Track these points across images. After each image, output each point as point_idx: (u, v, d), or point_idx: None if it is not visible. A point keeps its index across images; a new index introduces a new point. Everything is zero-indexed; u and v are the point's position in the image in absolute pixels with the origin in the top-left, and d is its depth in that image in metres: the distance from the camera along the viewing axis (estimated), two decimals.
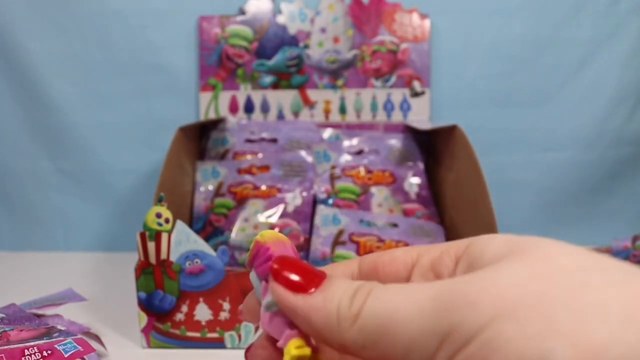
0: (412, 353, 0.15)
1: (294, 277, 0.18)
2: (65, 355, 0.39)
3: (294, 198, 0.64)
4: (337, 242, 0.58)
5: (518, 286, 0.14)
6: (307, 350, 0.18)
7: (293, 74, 0.73)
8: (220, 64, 0.73)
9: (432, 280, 0.19)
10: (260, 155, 0.69)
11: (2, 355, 0.38)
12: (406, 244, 0.58)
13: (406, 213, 0.65)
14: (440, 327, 0.15)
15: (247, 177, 0.66)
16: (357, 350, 0.17)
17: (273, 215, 0.62)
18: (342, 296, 0.17)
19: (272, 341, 0.19)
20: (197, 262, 0.46)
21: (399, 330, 0.16)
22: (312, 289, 0.17)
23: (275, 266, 0.18)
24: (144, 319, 0.47)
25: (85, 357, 0.40)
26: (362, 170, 0.67)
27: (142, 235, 0.45)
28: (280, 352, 0.19)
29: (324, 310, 0.17)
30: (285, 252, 0.20)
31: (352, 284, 0.17)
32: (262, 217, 0.62)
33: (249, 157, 0.69)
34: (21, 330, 0.42)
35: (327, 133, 0.72)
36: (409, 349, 0.15)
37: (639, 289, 0.13)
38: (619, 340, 0.12)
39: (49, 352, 0.39)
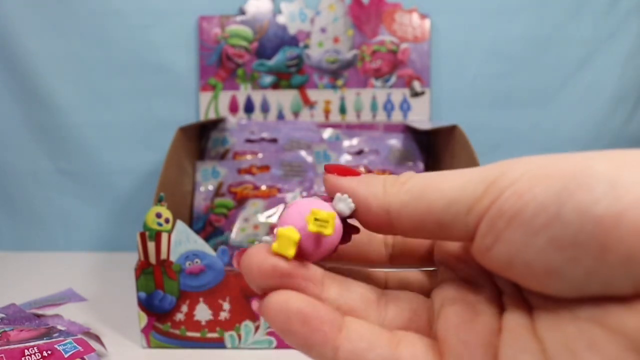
0: (455, 203, 0.16)
1: (342, 172, 0.19)
2: (65, 356, 0.39)
3: (294, 198, 0.64)
4: None
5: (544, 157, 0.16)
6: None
7: (293, 74, 0.73)
8: (220, 64, 0.73)
9: None
10: (260, 155, 0.69)
11: (2, 355, 0.38)
12: None
13: None
14: (486, 176, 0.16)
15: (247, 177, 0.66)
16: (399, 209, 0.17)
17: (273, 215, 0.62)
18: (386, 176, 0.18)
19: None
20: (197, 262, 0.46)
21: (445, 185, 0.16)
22: (360, 174, 0.19)
23: (330, 167, 0.19)
24: (144, 319, 0.47)
25: (85, 357, 0.40)
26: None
27: (142, 235, 0.45)
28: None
29: (371, 182, 0.18)
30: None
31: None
32: (262, 217, 0.62)
33: (249, 157, 0.69)
34: (21, 331, 0.42)
35: (327, 133, 0.72)
36: (453, 199, 0.16)
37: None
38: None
39: (49, 352, 0.39)
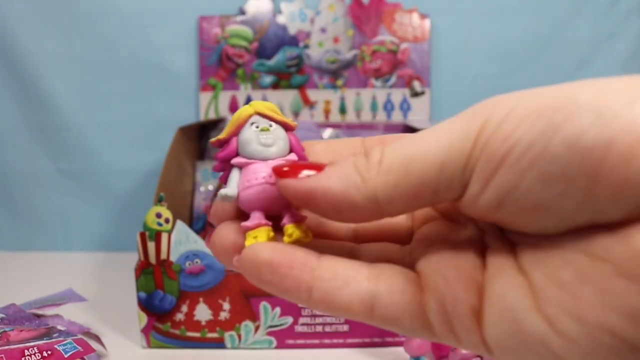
0: (447, 166, 0.15)
1: (301, 170, 0.17)
2: (65, 356, 0.39)
3: None
4: None
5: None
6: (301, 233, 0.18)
7: (293, 74, 0.73)
8: (220, 64, 0.73)
9: None
10: None
11: (2, 355, 0.38)
12: None
13: None
14: (472, 127, 0.15)
15: None
16: (389, 193, 0.16)
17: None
18: (354, 160, 0.16)
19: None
20: (197, 262, 0.46)
21: (430, 150, 0.15)
22: (321, 169, 0.17)
23: (279, 169, 0.17)
24: (144, 319, 0.47)
25: (85, 357, 0.40)
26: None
27: (142, 235, 0.45)
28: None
29: (342, 174, 0.16)
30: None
31: (358, 155, 0.17)
32: None
33: None
34: (21, 331, 0.42)
35: (327, 133, 0.72)
36: (444, 162, 0.15)
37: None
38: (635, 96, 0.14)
39: (49, 352, 0.39)
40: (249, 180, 0.18)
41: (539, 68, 0.74)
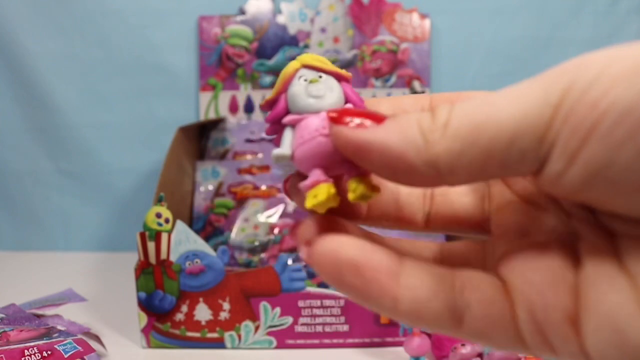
0: (520, 137, 0.13)
1: (358, 119, 0.15)
2: (65, 356, 0.39)
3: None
4: None
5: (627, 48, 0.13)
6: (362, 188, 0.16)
7: None
8: (220, 64, 0.73)
9: None
10: (260, 155, 0.69)
11: (2, 355, 0.38)
12: None
13: None
14: (552, 92, 0.13)
15: (247, 177, 0.66)
16: (452, 162, 0.14)
17: (273, 215, 0.62)
18: (419, 116, 0.14)
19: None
20: (197, 262, 0.46)
21: (503, 116, 0.13)
22: (382, 120, 0.15)
23: (333, 114, 0.15)
24: (144, 319, 0.47)
25: (85, 357, 0.40)
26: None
27: (142, 235, 0.45)
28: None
29: (403, 131, 0.14)
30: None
31: (424, 111, 0.15)
32: (262, 217, 0.62)
33: (249, 157, 0.69)
34: (21, 331, 0.42)
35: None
36: (517, 132, 0.13)
37: None
38: None
39: (49, 352, 0.39)
40: (302, 136, 0.17)
41: (539, 68, 0.73)
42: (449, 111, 0.14)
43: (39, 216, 0.76)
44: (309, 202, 0.16)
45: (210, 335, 0.47)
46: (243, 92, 0.73)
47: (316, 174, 0.16)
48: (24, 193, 0.76)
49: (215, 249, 0.46)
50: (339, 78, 0.18)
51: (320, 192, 0.16)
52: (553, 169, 0.13)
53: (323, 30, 0.72)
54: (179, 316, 0.47)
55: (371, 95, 0.73)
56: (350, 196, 0.16)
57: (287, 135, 0.17)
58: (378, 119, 0.15)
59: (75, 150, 0.74)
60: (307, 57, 0.18)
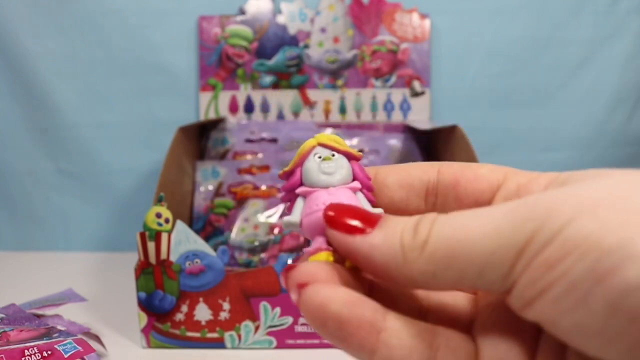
0: (487, 272, 0.14)
1: (350, 221, 0.17)
2: (65, 356, 0.39)
3: None
4: None
5: (599, 191, 0.14)
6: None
7: (293, 74, 0.73)
8: (220, 64, 0.73)
9: None
10: (260, 155, 0.69)
11: (2, 355, 0.38)
12: None
13: None
14: (518, 237, 0.14)
15: (247, 177, 0.66)
16: (427, 280, 0.15)
17: (273, 215, 0.62)
18: (403, 228, 0.16)
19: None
20: (197, 262, 0.46)
21: (473, 250, 0.14)
22: (370, 229, 0.16)
23: (330, 213, 0.17)
24: (144, 319, 0.47)
25: (85, 357, 0.40)
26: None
27: (142, 235, 0.45)
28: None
29: (386, 246, 0.16)
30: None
31: (412, 218, 0.16)
32: (262, 217, 0.62)
33: (249, 157, 0.69)
34: (21, 331, 0.42)
35: (327, 133, 0.72)
36: (484, 268, 0.14)
37: None
38: None
39: (49, 352, 0.39)
40: (310, 207, 0.19)
41: (539, 68, 0.74)
42: (429, 229, 0.15)
43: (39, 216, 0.76)
44: None
45: (210, 335, 0.47)
46: (243, 92, 0.73)
47: (318, 242, 0.18)
48: (24, 193, 0.76)
49: (215, 249, 0.46)
50: (350, 157, 0.21)
51: (319, 259, 0.18)
52: (514, 303, 0.14)
53: (323, 30, 0.72)
54: (179, 316, 0.47)
55: (371, 96, 0.73)
56: (346, 264, 0.18)
57: (299, 204, 0.20)
58: (370, 222, 0.16)
59: (75, 150, 0.74)
60: (323, 137, 0.21)
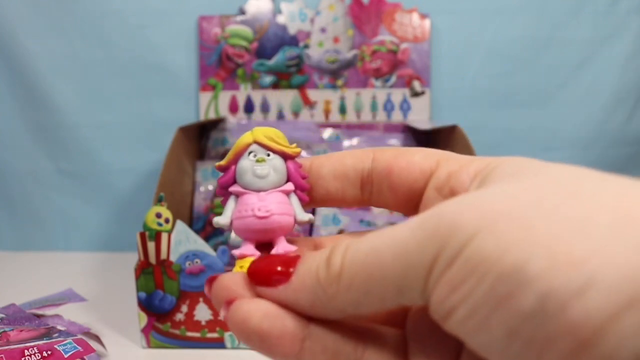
0: (405, 291, 0.14)
1: (271, 275, 0.17)
2: (65, 356, 0.39)
3: None
4: None
5: (502, 201, 0.13)
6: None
7: (293, 74, 0.73)
8: (220, 64, 0.73)
9: (446, 197, 0.18)
10: None
11: (2, 355, 0.38)
12: None
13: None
14: (425, 256, 0.14)
15: None
16: (354, 308, 0.16)
17: None
18: (317, 265, 0.16)
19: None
20: (197, 262, 0.46)
21: (387, 272, 0.14)
22: (288, 277, 0.17)
23: (251, 271, 0.17)
24: (144, 319, 0.47)
25: (85, 357, 0.40)
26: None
27: (142, 235, 0.45)
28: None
29: (306, 287, 0.16)
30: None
31: (324, 251, 0.16)
32: None
33: None
34: (21, 331, 0.42)
35: (327, 133, 0.72)
36: (401, 288, 0.14)
37: (633, 202, 0.12)
38: (599, 253, 0.11)
39: (49, 352, 0.39)
40: (239, 211, 0.19)
41: (539, 68, 0.74)
42: (342, 259, 0.15)
43: (39, 216, 0.76)
44: (235, 270, 0.18)
45: (210, 335, 0.47)
46: (243, 92, 0.73)
47: (246, 247, 0.19)
48: (24, 193, 0.76)
49: (215, 249, 0.46)
50: (286, 157, 0.20)
51: (245, 265, 0.18)
52: (433, 316, 0.14)
53: (323, 30, 0.72)
54: (179, 316, 0.47)
55: (371, 96, 0.73)
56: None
57: (230, 204, 0.20)
58: (289, 267, 0.16)
59: (75, 150, 0.74)
60: (260, 134, 0.20)
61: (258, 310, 0.16)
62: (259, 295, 0.17)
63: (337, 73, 0.73)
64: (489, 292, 0.12)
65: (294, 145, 0.21)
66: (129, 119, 0.74)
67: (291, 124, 0.72)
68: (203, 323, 0.47)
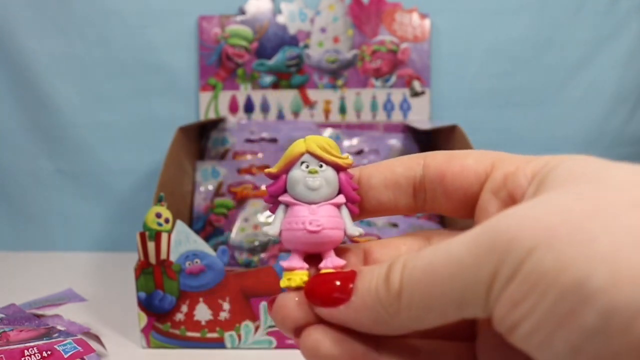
0: (465, 307, 0.14)
1: (331, 294, 0.17)
2: (65, 356, 0.39)
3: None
4: None
5: (559, 213, 0.13)
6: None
7: (293, 74, 0.73)
8: (220, 64, 0.73)
9: (504, 200, 0.17)
10: (260, 155, 0.69)
11: (2, 355, 0.38)
12: None
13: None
14: (483, 272, 0.14)
15: (247, 177, 0.66)
16: (418, 324, 0.16)
17: (273, 215, 0.62)
18: (376, 284, 0.16)
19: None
20: (197, 262, 0.46)
21: (446, 290, 0.14)
22: (348, 295, 0.17)
23: (309, 292, 0.18)
24: (144, 319, 0.47)
25: (85, 357, 0.40)
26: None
27: (142, 235, 0.45)
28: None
29: (367, 307, 0.16)
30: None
31: (381, 268, 0.16)
32: (262, 217, 0.62)
33: (249, 157, 0.69)
34: (21, 331, 0.42)
35: (327, 133, 0.72)
36: (461, 304, 0.14)
37: None
38: None
39: (49, 352, 0.39)
40: (289, 223, 0.19)
41: (539, 68, 0.74)
42: (400, 276, 0.16)
43: (39, 216, 0.76)
44: (283, 283, 0.19)
45: (210, 335, 0.47)
46: (243, 92, 0.73)
47: (294, 260, 0.19)
48: (24, 193, 0.76)
49: (215, 249, 0.46)
50: (338, 169, 0.20)
51: (294, 278, 0.18)
52: (498, 330, 0.14)
53: (323, 30, 0.72)
54: (179, 316, 0.47)
55: (371, 96, 0.73)
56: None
57: (279, 214, 0.20)
58: (347, 284, 0.17)
59: (75, 150, 0.74)
60: (313, 144, 0.20)
61: (326, 337, 0.17)
62: (317, 315, 0.17)
63: (337, 73, 0.73)
64: (552, 309, 0.12)
65: (346, 155, 0.20)
66: (129, 119, 0.74)
67: (291, 124, 0.72)
68: (203, 323, 0.47)
